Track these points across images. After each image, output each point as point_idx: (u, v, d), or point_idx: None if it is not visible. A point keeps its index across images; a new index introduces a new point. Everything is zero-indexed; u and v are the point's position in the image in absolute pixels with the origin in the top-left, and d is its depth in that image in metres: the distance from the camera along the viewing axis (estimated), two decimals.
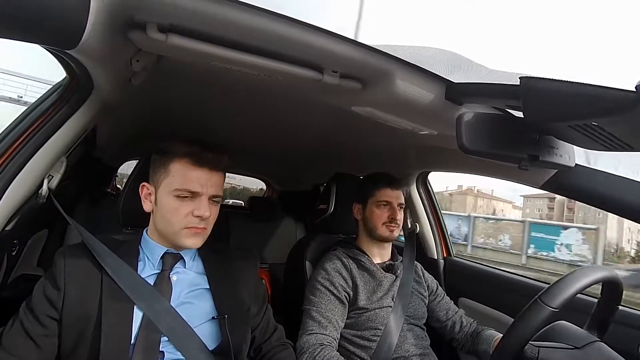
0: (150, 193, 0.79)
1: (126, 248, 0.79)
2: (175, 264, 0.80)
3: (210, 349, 0.75)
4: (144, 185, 0.80)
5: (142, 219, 0.83)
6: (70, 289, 0.70)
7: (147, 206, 0.79)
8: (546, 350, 0.67)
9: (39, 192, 0.80)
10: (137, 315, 0.72)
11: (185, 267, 0.82)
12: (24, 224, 0.87)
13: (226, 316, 0.77)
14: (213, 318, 0.78)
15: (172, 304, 0.75)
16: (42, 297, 0.70)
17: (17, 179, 0.73)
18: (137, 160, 0.93)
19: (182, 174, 0.75)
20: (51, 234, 1.29)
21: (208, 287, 0.81)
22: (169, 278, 0.78)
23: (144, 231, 0.83)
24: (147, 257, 0.79)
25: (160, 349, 0.72)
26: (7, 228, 0.78)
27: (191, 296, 0.79)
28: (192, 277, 0.81)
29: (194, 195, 0.76)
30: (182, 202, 0.75)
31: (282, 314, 1.23)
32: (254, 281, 0.91)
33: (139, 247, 0.80)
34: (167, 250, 0.80)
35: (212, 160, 0.77)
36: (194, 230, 0.76)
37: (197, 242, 0.78)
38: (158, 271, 0.78)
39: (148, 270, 0.78)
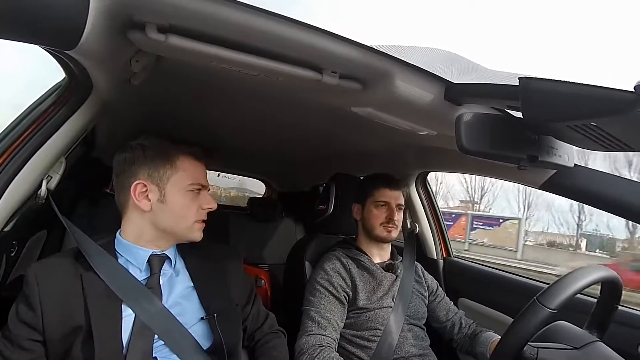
0: (147, 191, 0.76)
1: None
2: (162, 265, 0.78)
3: (204, 348, 0.74)
4: (138, 184, 0.75)
5: None
6: (49, 308, 0.67)
7: (144, 205, 0.75)
8: (545, 350, 0.67)
9: (38, 192, 0.80)
10: (127, 321, 0.70)
11: (171, 268, 0.80)
12: (23, 224, 0.87)
13: (215, 315, 0.77)
14: (202, 318, 0.77)
15: (165, 304, 0.74)
16: (18, 322, 0.66)
17: (16, 180, 0.73)
18: None
19: (192, 169, 0.79)
20: (50, 234, 1.28)
21: (194, 286, 0.80)
22: (159, 281, 0.76)
23: (117, 234, 0.79)
24: (130, 262, 0.76)
25: (154, 355, 0.70)
26: (5, 229, 0.78)
27: (180, 297, 0.78)
28: (179, 277, 0.80)
29: (202, 188, 0.80)
30: (193, 196, 0.78)
31: (281, 314, 1.23)
32: (240, 276, 0.90)
33: (115, 252, 0.77)
34: (153, 252, 0.77)
35: (207, 155, 0.83)
36: (202, 223, 0.81)
37: (201, 234, 0.81)
38: (146, 275, 0.76)
39: (134, 274, 0.75)
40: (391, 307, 1.10)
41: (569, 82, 0.50)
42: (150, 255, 0.77)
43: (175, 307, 0.75)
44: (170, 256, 0.80)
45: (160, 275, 0.77)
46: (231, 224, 2.08)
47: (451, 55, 0.86)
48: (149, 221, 0.77)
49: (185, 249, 0.84)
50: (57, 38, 0.53)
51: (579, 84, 0.49)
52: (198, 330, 0.76)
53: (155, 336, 0.71)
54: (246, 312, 0.90)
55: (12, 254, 0.92)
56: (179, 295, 0.78)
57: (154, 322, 0.70)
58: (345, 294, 1.09)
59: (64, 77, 0.78)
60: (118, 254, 0.77)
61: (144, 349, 0.69)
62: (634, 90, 0.44)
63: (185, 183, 0.77)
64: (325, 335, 1.01)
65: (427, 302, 1.22)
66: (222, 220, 2.08)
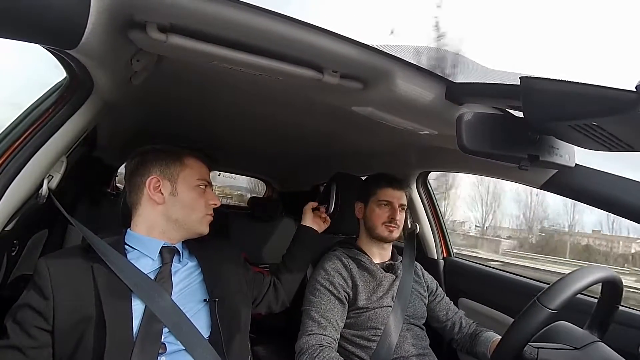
0: (160, 186, 0.82)
1: (114, 248, 0.78)
2: (173, 257, 0.82)
3: (205, 336, 0.77)
4: (153, 178, 0.82)
5: None
6: (61, 297, 0.69)
7: (158, 198, 0.81)
8: (545, 351, 0.66)
9: (39, 192, 0.80)
10: (136, 309, 0.72)
11: (179, 260, 0.84)
12: (24, 224, 0.87)
13: (216, 300, 0.80)
14: (205, 300, 0.80)
15: (172, 296, 0.77)
16: (28, 309, 0.68)
17: (17, 179, 0.73)
18: None
19: (198, 167, 0.87)
20: (51, 234, 1.28)
21: (200, 275, 0.84)
22: (170, 271, 0.80)
23: (127, 230, 0.84)
24: (143, 253, 0.80)
25: (162, 341, 0.72)
26: (7, 228, 0.78)
27: (188, 286, 0.81)
28: (186, 267, 0.84)
29: (208, 185, 0.88)
30: (200, 192, 0.86)
31: (282, 314, 1.23)
32: (241, 264, 0.96)
33: (125, 246, 0.81)
34: (164, 244, 0.82)
35: (209, 158, 0.91)
36: (210, 217, 0.88)
37: (208, 228, 0.88)
38: (158, 265, 0.80)
39: (146, 266, 0.79)
40: (391, 306, 1.10)
41: (570, 81, 0.50)
42: (162, 246, 0.82)
43: (182, 297, 0.78)
44: (179, 250, 0.85)
45: (171, 265, 0.81)
46: (232, 223, 2.08)
47: (452, 55, 0.86)
48: (161, 213, 0.82)
49: (191, 244, 0.88)
50: (58, 37, 0.53)
51: (580, 83, 0.49)
52: (200, 318, 0.78)
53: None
54: (257, 279, 1.01)
55: (13, 254, 0.93)
56: (186, 285, 0.81)
57: (165, 315, 0.73)
58: (345, 294, 1.09)
59: (65, 77, 0.78)
60: (129, 248, 0.81)
61: (153, 336, 0.71)
62: (635, 90, 0.44)
63: (193, 179, 0.85)
64: (325, 335, 1.01)
65: (426, 302, 1.22)
66: (222, 220, 2.08)
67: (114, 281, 0.72)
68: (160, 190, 0.82)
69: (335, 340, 1.03)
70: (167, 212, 0.82)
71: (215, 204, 0.88)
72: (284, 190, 2.53)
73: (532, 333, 0.63)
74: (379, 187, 1.19)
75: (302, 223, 1.15)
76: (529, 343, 0.65)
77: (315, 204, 1.20)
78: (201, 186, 0.86)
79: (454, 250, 1.56)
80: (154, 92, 1.01)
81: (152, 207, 0.82)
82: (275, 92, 0.92)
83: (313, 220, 1.16)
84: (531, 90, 0.55)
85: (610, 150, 0.62)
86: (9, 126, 0.79)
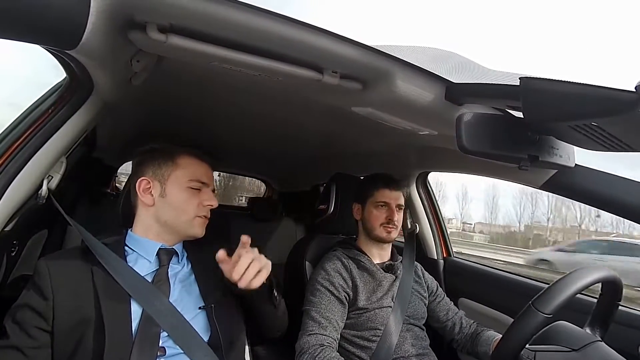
0: (150, 187, 0.81)
1: (113, 249, 0.78)
2: (171, 259, 0.82)
3: (205, 339, 0.76)
4: (142, 180, 0.81)
5: None
6: (61, 298, 0.69)
7: (148, 200, 0.80)
8: (542, 354, 0.66)
9: (39, 192, 0.80)
10: (135, 311, 0.72)
11: (179, 264, 0.83)
12: (24, 224, 0.87)
13: (212, 306, 0.79)
14: (200, 308, 0.79)
15: (171, 298, 0.76)
16: (28, 309, 0.68)
17: (17, 180, 0.73)
18: None
19: (193, 167, 0.83)
20: (51, 234, 1.28)
21: (196, 278, 0.83)
22: (167, 274, 0.79)
23: (128, 231, 0.84)
24: (140, 255, 0.80)
25: (161, 345, 0.72)
26: (6, 228, 0.78)
27: (184, 289, 0.80)
28: (184, 270, 0.83)
29: (202, 186, 0.84)
30: (194, 193, 0.82)
31: None
32: None
33: (125, 247, 0.80)
34: (162, 246, 0.81)
35: (209, 156, 0.88)
36: (203, 219, 0.84)
37: (203, 230, 0.85)
38: (156, 268, 0.79)
39: (143, 268, 0.78)
40: (391, 307, 1.10)
41: (569, 82, 0.50)
42: (159, 248, 0.81)
43: (179, 300, 0.78)
44: (177, 251, 0.84)
45: (168, 267, 0.80)
46: (232, 224, 2.08)
47: (452, 55, 0.86)
48: (153, 215, 0.82)
49: (189, 246, 0.87)
50: (58, 38, 0.53)
51: (580, 84, 0.49)
52: (199, 322, 0.78)
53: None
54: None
55: (13, 254, 0.93)
56: (184, 288, 0.81)
57: (161, 318, 0.72)
58: (345, 294, 1.09)
59: (65, 77, 0.78)
60: (129, 250, 0.81)
61: (151, 339, 0.71)
62: (634, 90, 0.44)
63: (184, 179, 0.82)
64: (326, 335, 1.01)
65: (426, 302, 1.22)
66: (222, 220, 2.08)
67: (113, 283, 0.72)
68: (151, 191, 0.81)
69: (335, 340, 1.03)
70: (157, 214, 0.81)
71: (212, 205, 0.85)
72: (283, 190, 2.53)
73: (527, 338, 0.63)
74: (375, 188, 1.19)
75: (236, 291, 0.79)
76: (526, 346, 0.65)
77: (222, 255, 0.75)
78: (194, 187, 0.82)
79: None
80: (154, 93, 1.01)
81: (145, 210, 0.82)
82: (275, 92, 0.92)
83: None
84: (531, 90, 0.55)
85: (610, 150, 0.62)
86: (8, 126, 0.79)
